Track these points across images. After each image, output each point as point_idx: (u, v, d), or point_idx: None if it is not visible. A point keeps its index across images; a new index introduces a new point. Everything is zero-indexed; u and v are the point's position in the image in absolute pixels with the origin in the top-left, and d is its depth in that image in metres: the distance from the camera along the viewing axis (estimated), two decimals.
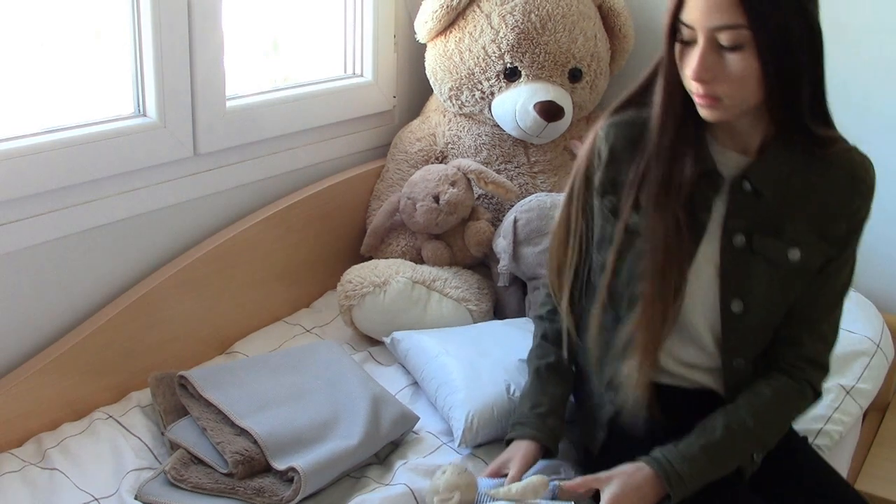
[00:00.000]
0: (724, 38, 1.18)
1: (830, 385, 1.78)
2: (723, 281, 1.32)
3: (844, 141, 1.32)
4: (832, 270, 1.34)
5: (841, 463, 1.73)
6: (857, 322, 1.98)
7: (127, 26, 1.67)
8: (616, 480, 1.29)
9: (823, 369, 1.38)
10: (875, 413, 2.02)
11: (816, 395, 1.39)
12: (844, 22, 2.00)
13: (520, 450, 1.41)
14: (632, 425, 1.37)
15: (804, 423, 1.67)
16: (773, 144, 1.29)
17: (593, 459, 1.46)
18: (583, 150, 1.42)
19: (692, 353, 1.38)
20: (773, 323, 1.35)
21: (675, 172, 1.28)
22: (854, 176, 1.30)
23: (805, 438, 1.52)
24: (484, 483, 1.36)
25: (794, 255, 1.30)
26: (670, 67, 1.26)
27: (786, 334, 1.36)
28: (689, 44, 1.22)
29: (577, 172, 1.42)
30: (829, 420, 1.71)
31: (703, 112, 1.25)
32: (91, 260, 1.67)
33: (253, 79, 2.00)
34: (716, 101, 1.22)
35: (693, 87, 1.23)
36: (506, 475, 1.37)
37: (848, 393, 1.78)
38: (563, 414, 1.49)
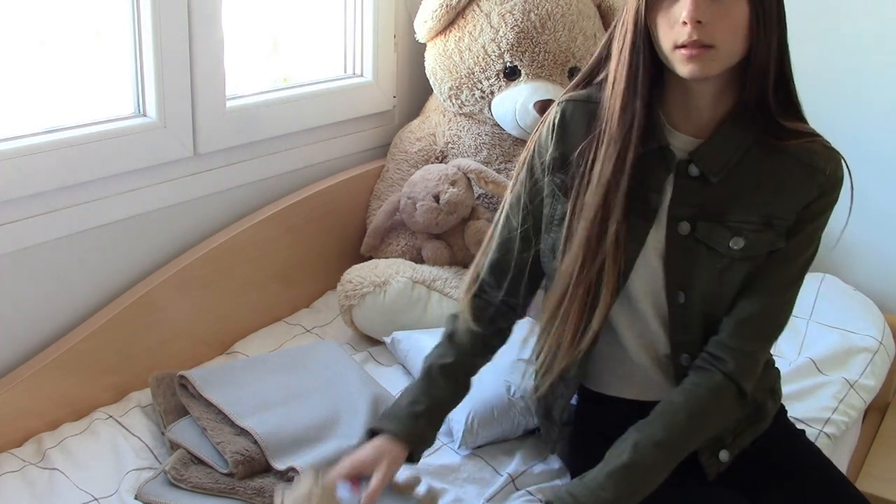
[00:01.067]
0: None
1: (835, 378, 1.81)
2: (667, 270, 1.27)
3: (814, 134, 1.26)
4: (775, 259, 1.26)
5: (841, 462, 1.73)
6: (860, 321, 1.99)
7: (127, 26, 1.67)
8: None
9: (752, 359, 1.28)
10: (875, 413, 2.02)
11: (740, 390, 1.27)
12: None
13: (387, 453, 1.26)
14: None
15: (812, 412, 1.69)
16: (726, 127, 1.24)
17: (579, 439, 1.43)
18: (536, 129, 1.37)
19: (648, 347, 1.33)
20: (718, 315, 1.28)
21: (626, 149, 1.22)
22: (811, 166, 1.24)
23: (802, 432, 1.49)
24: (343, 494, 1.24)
25: (738, 243, 1.24)
26: (638, 28, 1.20)
27: (725, 328, 1.28)
28: None
29: (527, 151, 1.36)
30: (836, 411, 1.72)
31: (689, 66, 1.17)
32: (91, 260, 1.67)
33: (253, 79, 2.00)
34: (707, 49, 1.15)
35: (683, 36, 1.15)
36: (361, 478, 1.26)
37: (852, 387, 1.79)
38: (438, 423, 1.36)
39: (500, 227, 1.38)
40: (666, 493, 1.28)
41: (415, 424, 1.30)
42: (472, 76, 2.11)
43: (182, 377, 1.58)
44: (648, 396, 1.34)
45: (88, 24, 1.68)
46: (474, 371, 1.40)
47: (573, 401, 1.45)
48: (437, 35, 2.16)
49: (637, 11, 1.20)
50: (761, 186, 1.24)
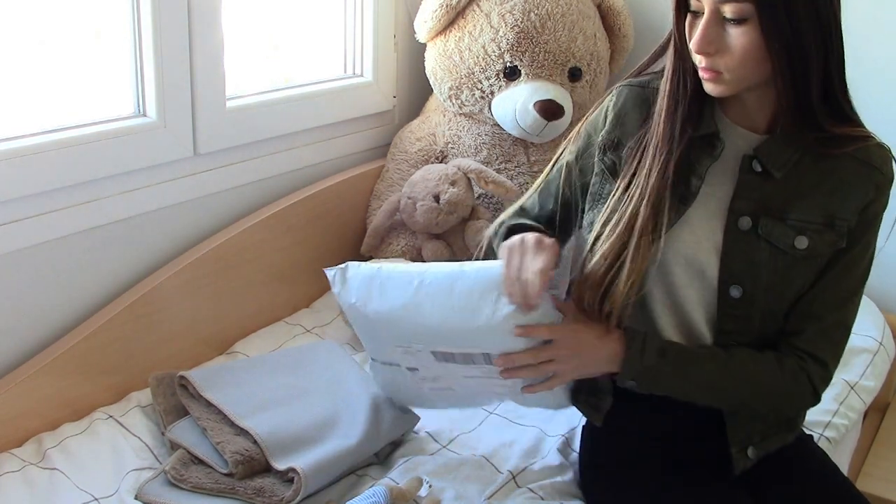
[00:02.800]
0: (728, 11, 1.16)
1: (835, 379, 1.79)
2: (723, 264, 1.28)
3: (867, 136, 1.27)
4: (842, 265, 1.28)
5: (841, 462, 1.73)
6: (859, 321, 1.97)
7: (127, 26, 1.67)
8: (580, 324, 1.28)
9: (825, 368, 1.31)
10: (875, 413, 2.02)
11: (815, 392, 1.31)
12: None
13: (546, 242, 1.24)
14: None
15: (813, 415, 1.68)
16: (783, 123, 1.25)
17: (597, 432, 1.44)
18: (593, 109, 1.41)
19: (687, 337, 1.33)
20: (773, 312, 1.30)
21: (675, 136, 1.26)
22: (870, 165, 1.26)
23: (811, 437, 1.50)
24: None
25: (802, 242, 1.26)
26: (679, 38, 1.25)
27: (790, 327, 1.31)
28: (697, 15, 1.20)
29: (582, 125, 1.41)
30: (836, 414, 1.72)
31: (707, 86, 1.23)
32: (91, 260, 1.67)
33: (253, 79, 2.00)
34: (717, 74, 1.21)
35: (696, 60, 1.22)
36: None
37: (852, 388, 1.79)
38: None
39: (546, 178, 1.45)
40: (672, 488, 1.30)
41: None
42: (472, 76, 2.11)
43: (182, 377, 1.58)
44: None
45: (88, 24, 1.68)
46: None
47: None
48: (437, 35, 2.16)
49: (676, 24, 1.24)
50: (821, 185, 1.26)
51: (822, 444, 1.63)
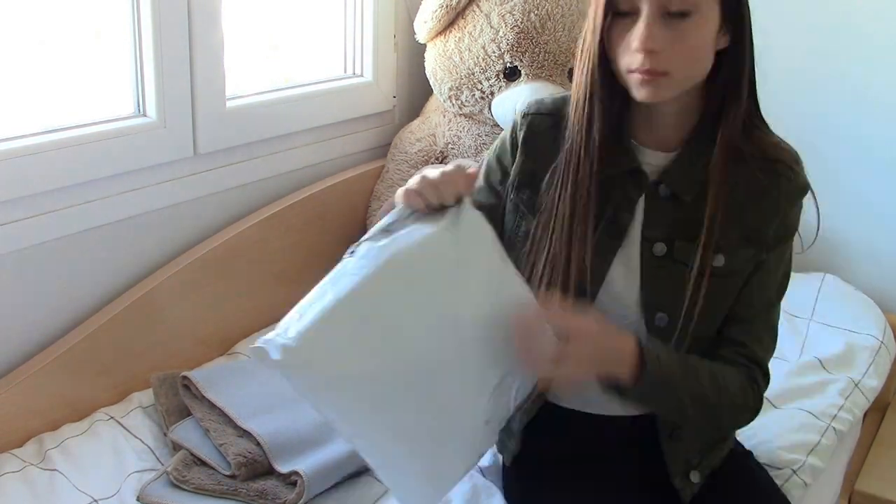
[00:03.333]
0: (674, 5, 1.10)
1: (840, 376, 1.81)
2: (644, 293, 1.22)
3: (778, 142, 1.24)
4: (764, 272, 1.24)
5: (841, 462, 1.73)
6: (860, 320, 2.00)
7: (127, 26, 1.66)
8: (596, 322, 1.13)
9: (764, 373, 1.26)
10: (875, 413, 2.02)
11: (758, 399, 1.25)
12: None
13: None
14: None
15: (822, 408, 1.70)
16: (693, 144, 1.21)
17: (505, 471, 1.40)
18: (500, 137, 1.34)
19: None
20: (703, 334, 1.23)
21: (590, 171, 1.19)
22: (776, 172, 1.21)
23: (749, 453, 1.46)
24: None
25: (719, 261, 1.20)
26: (601, 47, 1.15)
27: (725, 337, 1.25)
28: (626, 16, 1.13)
29: (488, 158, 1.33)
30: (842, 408, 1.73)
31: (643, 91, 1.14)
32: (91, 260, 1.66)
33: (253, 79, 2.00)
34: (661, 75, 1.12)
35: (636, 62, 1.12)
36: None
37: (857, 385, 1.80)
38: None
39: None
40: (578, 486, 1.28)
41: None
42: (472, 77, 2.11)
43: (185, 377, 1.58)
44: (607, 410, 1.31)
45: (88, 24, 1.67)
46: None
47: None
48: (437, 35, 2.16)
49: (594, 31, 1.16)
50: (735, 199, 1.20)
51: (830, 436, 1.64)
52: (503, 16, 2.07)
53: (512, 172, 1.29)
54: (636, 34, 1.11)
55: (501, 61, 2.08)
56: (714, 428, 1.31)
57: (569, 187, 1.21)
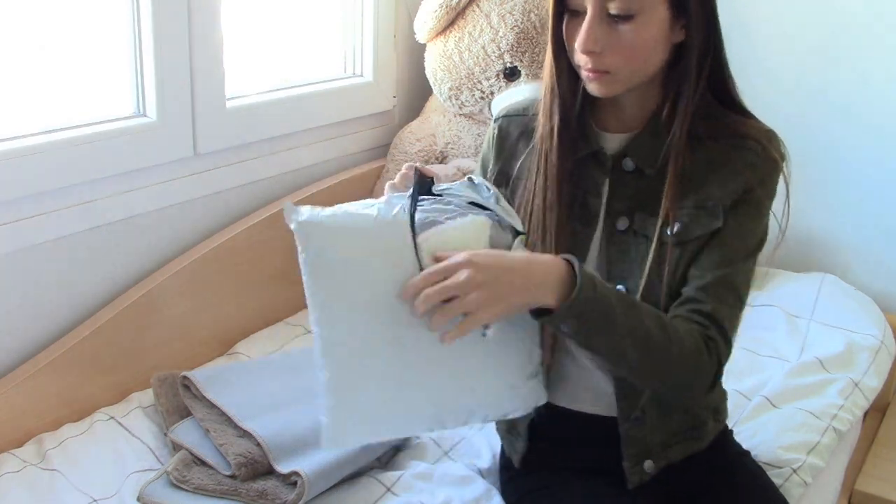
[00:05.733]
0: (613, 7, 1.12)
1: (840, 376, 1.81)
2: (607, 267, 1.24)
3: (752, 121, 1.23)
4: (723, 236, 1.20)
5: (841, 462, 1.73)
6: (860, 320, 2.00)
7: (127, 26, 1.66)
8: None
9: (722, 332, 1.18)
10: (875, 413, 2.02)
11: (716, 361, 1.18)
12: None
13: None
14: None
15: (822, 407, 1.69)
16: (656, 121, 1.22)
17: (515, 472, 1.39)
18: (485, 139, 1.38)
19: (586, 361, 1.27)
20: (657, 306, 1.20)
21: (559, 161, 1.22)
22: (742, 147, 1.21)
23: (748, 453, 1.44)
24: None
25: (675, 229, 1.20)
26: (555, 42, 1.20)
27: (682, 297, 1.21)
28: (577, 14, 1.16)
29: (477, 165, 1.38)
30: (842, 408, 1.73)
31: (591, 86, 1.18)
32: (91, 260, 1.66)
33: (253, 79, 2.00)
34: (604, 74, 1.16)
35: (581, 61, 1.17)
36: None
37: (857, 385, 1.80)
38: None
39: None
40: (572, 490, 1.27)
41: None
42: (471, 77, 2.11)
43: (185, 377, 1.58)
44: (598, 409, 1.31)
45: (88, 26, 1.67)
46: None
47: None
48: (436, 35, 2.16)
49: (554, 28, 1.20)
50: (695, 173, 1.21)
51: (830, 436, 1.64)
52: (503, 16, 2.07)
53: (488, 175, 1.34)
54: (579, 34, 1.15)
55: (501, 61, 2.08)
56: (664, 384, 1.21)
57: (538, 178, 1.25)
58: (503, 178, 1.31)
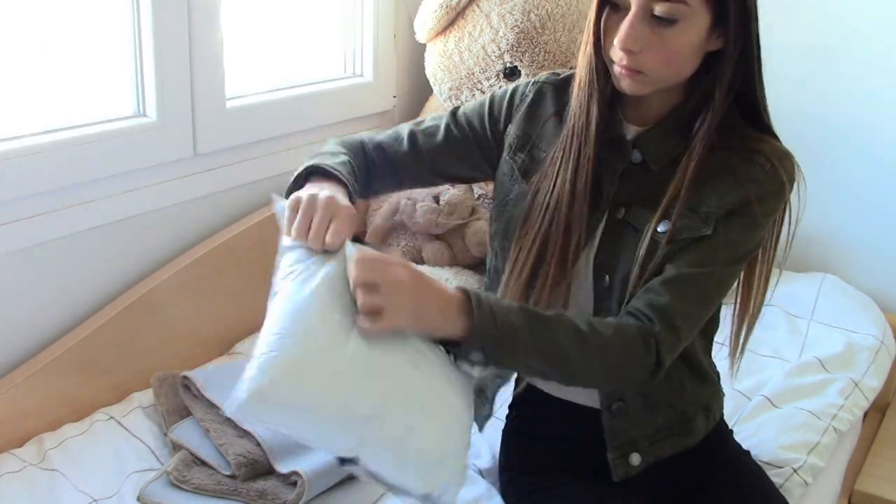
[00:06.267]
0: (659, 9, 1.11)
1: (840, 376, 1.81)
2: (599, 256, 1.25)
3: (770, 140, 1.23)
4: (707, 242, 1.19)
5: (841, 462, 1.73)
6: (860, 320, 2.00)
7: (127, 26, 1.66)
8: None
9: (671, 327, 1.16)
10: (875, 413, 2.03)
11: (655, 355, 1.16)
12: None
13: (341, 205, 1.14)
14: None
15: (822, 407, 1.70)
16: (670, 119, 1.23)
17: (515, 473, 1.40)
18: (502, 91, 1.36)
19: None
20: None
21: (585, 147, 1.23)
22: (751, 161, 1.20)
23: (748, 452, 1.45)
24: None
25: (664, 226, 1.20)
26: (594, 31, 1.19)
27: (644, 287, 1.20)
28: (619, 9, 1.16)
29: (478, 100, 1.37)
30: (842, 408, 1.73)
31: (623, 83, 1.18)
32: (91, 260, 1.66)
33: (253, 79, 2.00)
34: (638, 73, 1.16)
35: (616, 57, 1.16)
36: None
37: (857, 385, 1.80)
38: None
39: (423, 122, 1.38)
40: (572, 490, 1.27)
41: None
42: (472, 77, 2.11)
43: (185, 377, 1.58)
44: (580, 399, 1.32)
45: (88, 26, 1.67)
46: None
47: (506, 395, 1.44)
48: (437, 35, 2.16)
49: (592, 21, 1.20)
50: (699, 177, 1.20)
51: (829, 437, 1.64)
52: (503, 16, 2.07)
53: (510, 133, 1.33)
54: (619, 31, 1.14)
55: (501, 61, 2.08)
56: (590, 386, 1.25)
57: (569, 167, 1.24)
58: (524, 141, 1.31)
